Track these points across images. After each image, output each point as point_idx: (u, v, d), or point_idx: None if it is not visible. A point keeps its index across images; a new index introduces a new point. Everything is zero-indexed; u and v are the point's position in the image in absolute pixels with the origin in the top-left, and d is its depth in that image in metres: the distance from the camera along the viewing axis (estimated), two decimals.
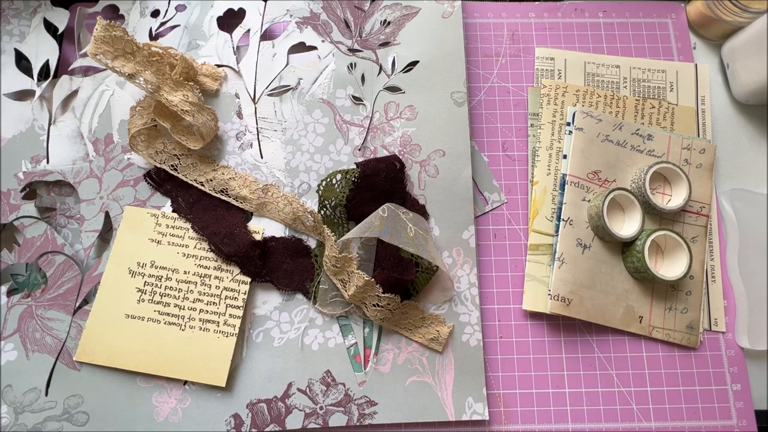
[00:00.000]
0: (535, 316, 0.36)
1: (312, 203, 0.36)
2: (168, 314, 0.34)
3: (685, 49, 0.42)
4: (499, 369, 0.35)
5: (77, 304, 0.34)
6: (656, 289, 0.36)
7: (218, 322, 0.34)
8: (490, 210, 0.38)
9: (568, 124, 0.39)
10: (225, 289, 0.34)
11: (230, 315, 0.34)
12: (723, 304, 0.37)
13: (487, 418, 0.33)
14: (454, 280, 0.35)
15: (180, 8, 0.40)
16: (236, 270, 0.34)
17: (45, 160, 0.37)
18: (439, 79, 0.39)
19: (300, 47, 0.40)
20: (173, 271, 0.35)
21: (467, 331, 0.35)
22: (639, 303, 0.36)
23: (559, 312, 0.35)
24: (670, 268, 0.35)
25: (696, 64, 0.41)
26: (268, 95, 0.38)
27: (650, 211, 0.36)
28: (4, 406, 0.32)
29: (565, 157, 0.38)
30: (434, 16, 0.40)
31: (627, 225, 0.36)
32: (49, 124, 0.38)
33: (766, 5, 0.38)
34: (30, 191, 0.36)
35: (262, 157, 0.37)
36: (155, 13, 0.40)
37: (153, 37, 0.39)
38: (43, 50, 0.39)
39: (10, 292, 0.35)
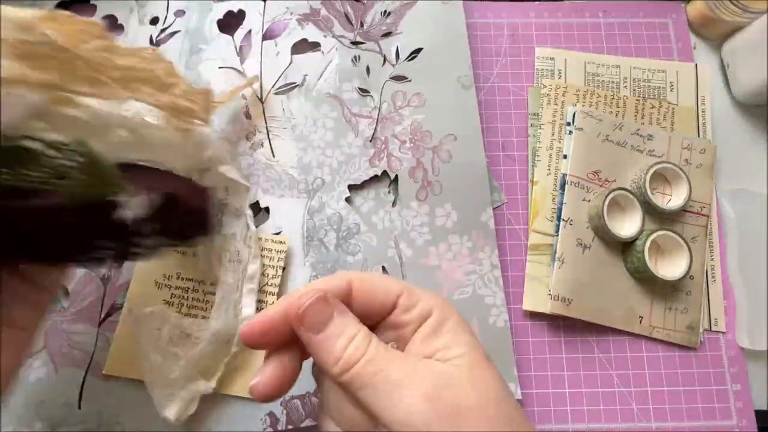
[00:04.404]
0: (535, 316, 0.36)
1: (327, 197, 0.36)
2: None
3: (685, 49, 0.42)
4: None
5: (102, 316, 0.34)
6: (656, 289, 0.36)
7: None
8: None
9: (569, 124, 0.39)
10: None
11: None
12: (723, 304, 0.37)
13: (520, 398, 0.33)
14: (476, 263, 0.35)
15: (179, 14, 0.40)
16: (265, 279, 0.34)
17: None
18: (444, 64, 0.39)
19: (303, 44, 0.40)
20: (200, 283, 0.34)
21: (493, 312, 0.35)
22: (639, 303, 0.36)
23: (560, 312, 0.35)
24: (670, 268, 0.35)
25: (696, 64, 0.41)
26: (275, 94, 0.38)
27: (650, 211, 0.36)
28: (39, 423, 0.32)
29: (565, 157, 0.38)
30: (434, 3, 0.40)
31: (627, 225, 0.36)
32: None
33: (766, 5, 0.38)
34: None
35: (274, 156, 0.37)
36: (154, 21, 0.40)
37: (154, 44, 0.39)
38: None
39: None
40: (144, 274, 0.35)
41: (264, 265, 0.34)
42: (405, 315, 0.23)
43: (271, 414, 0.33)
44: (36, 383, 0.33)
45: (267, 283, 0.34)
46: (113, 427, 0.32)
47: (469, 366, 0.21)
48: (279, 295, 0.34)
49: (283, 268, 0.35)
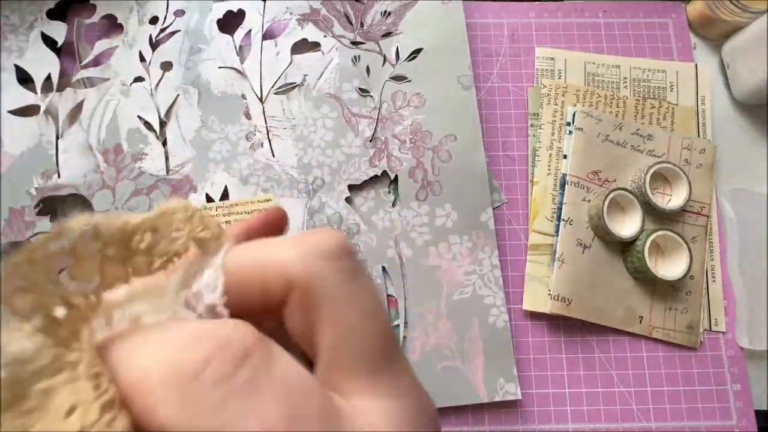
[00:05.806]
0: (535, 316, 0.36)
1: (327, 197, 0.36)
2: None
3: (685, 49, 0.42)
4: None
5: None
6: (656, 289, 0.36)
7: None
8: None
9: (568, 124, 0.39)
10: None
11: None
12: (723, 304, 0.37)
13: (520, 398, 0.34)
14: (476, 263, 0.35)
15: (178, 13, 0.40)
16: None
17: (56, 175, 0.36)
18: (444, 64, 0.39)
19: (302, 44, 0.40)
20: None
21: (493, 313, 0.35)
22: (639, 303, 0.36)
23: (559, 312, 0.35)
24: (670, 268, 0.35)
25: (696, 64, 0.41)
26: (274, 94, 0.39)
27: (650, 211, 0.36)
28: None
29: (565, 157, 0.38)
30: (434, 3, 0.40)
31: (627, 225, 0.36)
32: (57, 138, 0.37)
33: (766, 5, 0.38)
34: (44, 207, 0.36)
35: (273, 156, 0.37)
36: (154, 20, 0.40)
37: (153, 44, 0.39)
38: (43, 64, 0.39)
39: None
40: None
41: None
42: None
43: None
44: None
45: None
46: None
47: None
48: None
49: None
